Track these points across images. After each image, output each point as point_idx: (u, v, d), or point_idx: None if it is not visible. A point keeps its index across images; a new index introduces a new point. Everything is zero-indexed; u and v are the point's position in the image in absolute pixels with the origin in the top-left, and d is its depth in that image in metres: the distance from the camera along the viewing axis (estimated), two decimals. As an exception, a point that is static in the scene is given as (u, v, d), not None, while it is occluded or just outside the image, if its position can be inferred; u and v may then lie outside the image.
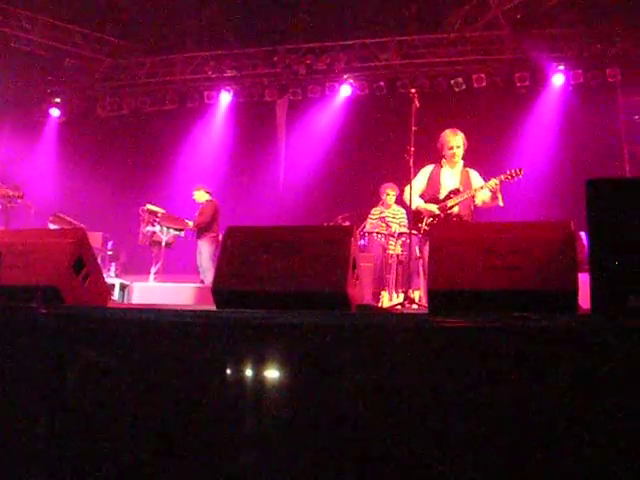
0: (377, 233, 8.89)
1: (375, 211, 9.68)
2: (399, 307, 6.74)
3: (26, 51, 14.18)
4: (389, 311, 5.53)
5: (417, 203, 7.27)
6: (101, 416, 3.74)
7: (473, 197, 7.21)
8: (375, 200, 9.87)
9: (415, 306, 6.87)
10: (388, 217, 9.43)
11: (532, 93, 12.47)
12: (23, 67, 14.95)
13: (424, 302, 7.02)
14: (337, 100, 13.50)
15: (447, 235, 3.84)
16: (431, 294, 3.69)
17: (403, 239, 8.58)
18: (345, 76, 13.24)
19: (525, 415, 3.08)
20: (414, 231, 7.39)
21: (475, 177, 7.42)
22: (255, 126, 14.09)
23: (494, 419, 3.12)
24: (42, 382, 3.89)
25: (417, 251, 7.90)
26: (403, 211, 9.38)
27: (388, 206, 9.62)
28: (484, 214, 7.59)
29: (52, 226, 9.43)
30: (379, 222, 9.41)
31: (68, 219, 10.14)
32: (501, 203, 7.03)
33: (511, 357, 3.20)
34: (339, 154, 13.08)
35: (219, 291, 3.86)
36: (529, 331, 3.22)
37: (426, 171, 7.53)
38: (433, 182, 7.42)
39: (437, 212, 7.15)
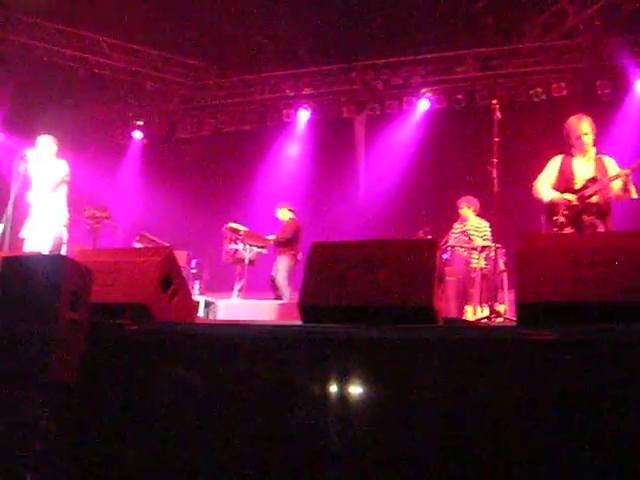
0: (460, 247, 8.78)
1: (457, 225, 9.57)
2: (485, 321, 6.65)
3: (108, 76, 14.56)
4: (476, 324, 5.46)
5: (551, 195, 6.83)
6: (188, 431, 3.78)
7: (610, 186, 6.64)
8: (456, 213, 9.77)
9: (501, 319, 6.76)
10: (470, 230, 9.31)
11: (614, 100, 12.16)
12: (106, 92, 15.38)
13: (509, 316, 6.91)
14: (415, 114, 13.42)
15: (535, 246, 3.78)
16: (519, 306, 3.63)
17: (486, 252, 8.45)
18: (422, 90, 13.17)
19: (617, 426, 3.01)
20: (497, 244, 7.28)
21: (611, 164, 6.86)
22: (334, 143, 14.12)
23: (586, 432, 3.06)
24: (132, 397, 3.96)
25: (501, 264, 7.79)
26: (486, 224, 9.24)
27: (469, 219, 9.50)
28: (618, 206, 7.09)
29: (138, 245, 9.63)
30: (461, 236, 9.30)
31: (153, 238, 10.35)
32: (634, 195, 6.48)
33: (601, 370, 3.13)
34: (419, 168, 13.00)
35: (305, 306, 3.88)
36: (619, 343, 3.14)
37: (555, 162, 7.00)
38: (565, 173, 6.88)
39: (575, 202, 6.74)
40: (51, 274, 3.65)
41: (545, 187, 6.84)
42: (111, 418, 3.98)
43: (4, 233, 7.50)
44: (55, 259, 3.88)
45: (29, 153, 7.97)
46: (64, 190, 8.14)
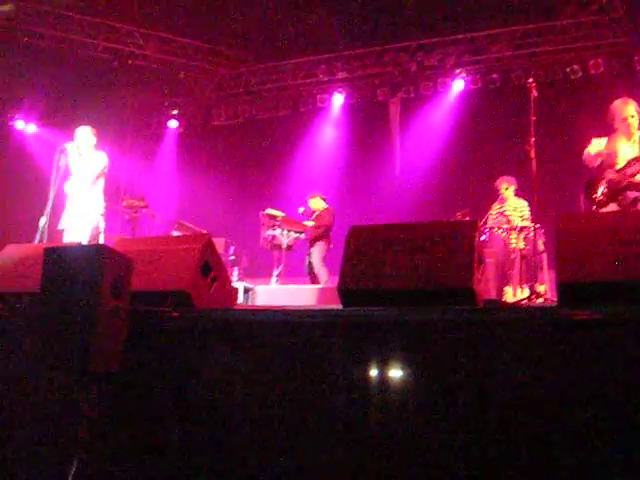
0: (498, 228, 8.71)
1: (495, 206, 9.49)
2: (525, 302, 6.59)
3: (142, 66, 14.65)
4: (517, 306, 5.41)
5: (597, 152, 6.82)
6: (230, 417, 3.81)
7: None
8: (494, 194, 9.69)
9: (541, 300, 6.70)
10: (509, 211, 9.22)
11: (654, 75, 11.94)
12: (140, 82, 15.49)
13: (550, 296, 6.85)
14: (450, 95, 13.33)
15: (575, 226, 3.73)
16: (560, 287, 3.59)
17: (525, 233, 8.38)
18: (457, 71, 13.07)
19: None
20: (536, 224, 7.20)
21: None
22: (369, 127, 14.09)
23: (629, 414, 3.02)
24: (173, 384, 4.00)
25: (540, 244, 7.71)
26: (525, 204, 9.15)
27: (507, 199, 9.42)
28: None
29: (176, 233, 9.69)
30: (500, 217, 9.21)
31: (191, 226, 10.40)
32: None
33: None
34: (455, 150, 12.92)
35: (345, 290, 3.87)
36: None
37: (599, 142, 7.02)
38: (609, 152, 6.79)
39: (617, 178, 6.61)
40: (92, 263, 3.69)
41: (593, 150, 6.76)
42: (154, 405, 4.02)
43: (45, 225, 7.60)
44: (96, 248, 3.90)
45: (69, 146, 8.04)
46: (102, 181, 8.21)
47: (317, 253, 10.59)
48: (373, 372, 3.57)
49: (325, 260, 10.53)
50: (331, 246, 10.59)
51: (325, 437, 3.55)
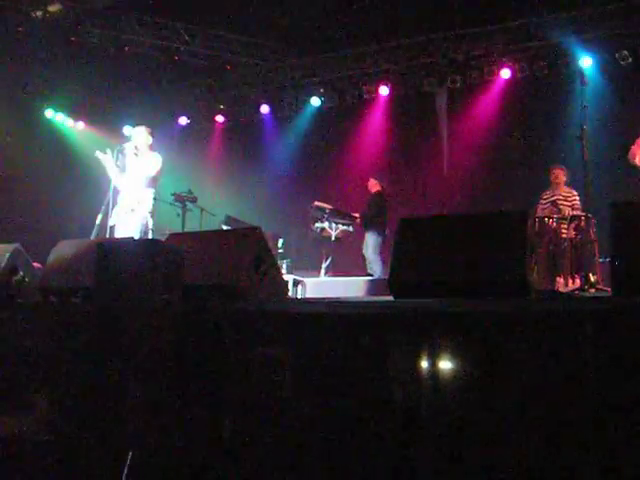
0: (549, 218, 8.59)
1: (545, 195, 9.36)
2: (578, 292, 6.51)
3: (189, 62, 14.76)
4: (570, 296, 5.35)
5: None
6: (280, 408, 3.82)
7: None
8: (544, 183, 9.56)
9: (594, 290, 6.62)
10: (559, 200, 9.10)
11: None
12: (186, 78, 15.62)
13: (602, 286, 6.76)
14: (497, 84, 13.17)
15: (630, 215, 3.67)
16: (614, 277, 3.55)
17: (576, 222, 8.25)
18: (504, 59, 12.91)
19: None
20: (588, 214, 7.11)
21: None
22: (415, 117, 14.02)
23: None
24: (225, 376, 4.03)
25: (592, 234, 7.61)
26: (576, 193, 9.02)
27: (557, 188, 9.29)
28: None
29: (225, 227, 9.73)
30: (550, 206, 9.09)
31: (240, 220, 10.45)
32: None
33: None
34: (503, 139, 12.79)
35: (395, 282, 3.86)
36: None
37: None
38: None
39: None
40: (145, 258, 3.73)
41: None
42: (205, 396, 4.05)
43: (102, 222, 7.73)
44: (148, 243, 3.97)
45: (127, 145, 8.17)
46: (156, 182, 8.32)
47: (370, 243, 10.57)
48: (425, 364, 3.56)
49: (380, 249, 10.46)
50: (387, 231, 10.50)
51: (377, 427, 3.55)
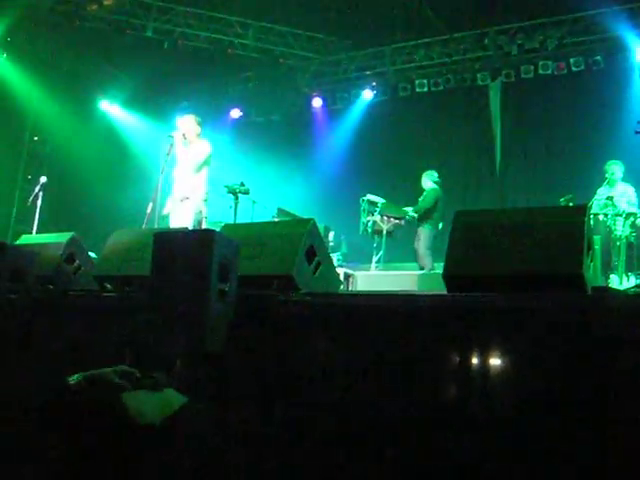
0: (605, 214, 8.47)
1: (601, 191, 9.22)
2: (634, 289, 6.40)
3: (241, 55, 14.85)
4: (627, 293, 5.26)
5: None
6: (333, 398, 3.84)
7: None
8: (600, 179, 9.41)
9: (649, 287, 6.50)
10: (616, 196, 8.95)
11: None
12: (240, 71, 15.71)
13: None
14: (552, 79, 12.99)
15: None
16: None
17: (632, 219, 8.12)
18: (559, 53, 12.73)
19: None
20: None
21: None
22: (468, 111, 13.93)
23: None
24: (279, 365, 4.05)
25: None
26: (632, 189, 8.87)
27: (614, 184, 9.14)
28: None
29: (276, 219, 9.78)
30: (606, 202, 8.95)
31: (291, 212, 10.49)
32: None
33: None
34: (558, 133, 12.64)
35: (450, 275, 3.84)
36: None
37: None
38: None
39: None
40: (201, 248, 3.77)
41: None
42: (257, 385, 4.08)
43: (153, 211, 7.81)
44: (204, 233, 4.00)
45: (175, 134, 8.22)
46: (206, 169, 8.35)
47: (422, 237, 10.51)
48: (479, 358, 3.54)
49: (432, 244, 10.42)
50: (440, 225, 10.45)
51: (427, 420, 3.54)
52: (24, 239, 6.87)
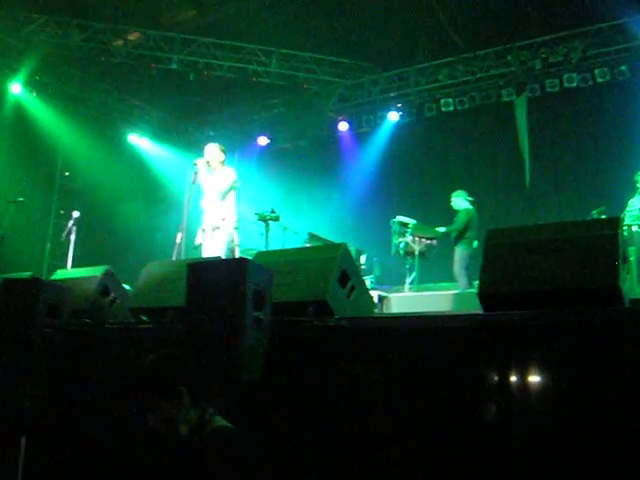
0: (638, 225, 8.39)
1: (633, 202, 9.15)
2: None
3: (266, 83, 14.97)
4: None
5: None
6: (371, 423, 3.82)
7: None
8: (631, 190, 9.33)
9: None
10: (647, 206, 8.88)
11: None
12: (265, 98, 15.85)
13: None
14: (578, 91, 12.93)
15: None
16: None
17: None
18: (583, 65, 12.68)
19: None
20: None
21: None
22: (495, 128, 13.90)
23: None
24: (315, 391, 4.04)
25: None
26: (663, 199, 8.80)
27: (642, 195, 9.07)
28: None
29: (307, 245, 9.80)
30: (638, 214, 8.86)
31: (322, 237, 10.51)
32: None
33: None
34: (587, 145, 12.58)
35: (485, 294, 3.81)
36: None
37: None
38: None
39: None
40: (234, 276, 3.79)
41: None
42: (295, 411, 4.07)
43: (182, 242, 7.85)
44: (237, 262, 4.02)
45: (199, 162, 8.28)
46: (234, 196, 8.39)
47: (458, 257, 10.51)
48: (517, 377, 3.51)
49: (468, 263, 10.40)
50: (474, 244, 10.42)
51: (468, 443, 3.51)
52: (59, 274, 6.93)
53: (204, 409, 3.29)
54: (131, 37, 14.53)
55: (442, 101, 13.91)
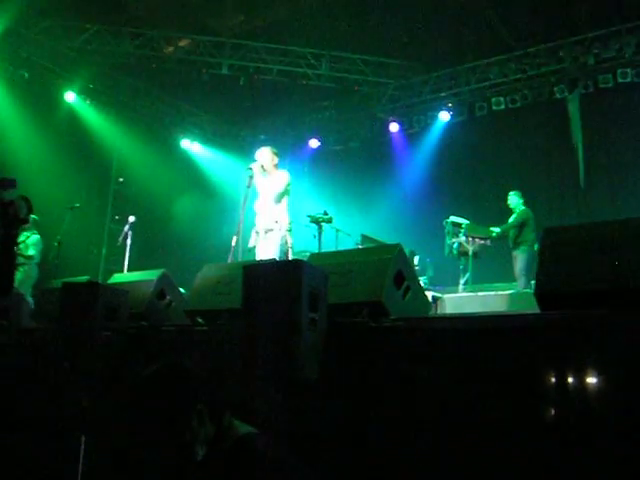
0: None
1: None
2: None
3: (316, 86, 15.03)
4: None
5: None
6: (429, 426, 3.80)
7: None
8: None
9: None
10: None
11: None
12: (315, 101, 15.90)
13: None
14: (632, 87, 12.71)
15: None
16: None
17: None
18: (637, 59, 12.45)
19: None
20: None
21: None
22: (548, 126, 13.74)
23: None
24: (371, 393, 4.04)
25: None
26: None
27: None
28: None
29: (360, 246, 9.79)
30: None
31: (374, 238, 10.49)
32: None
33: None
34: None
35: (542, 293, 3.77)
36: None
37: None
38: None
39: None
40: (291, 278, 3.80)
41: None
42: (350, 412, 4.07)
43: (237, 244, 7.91)
44: (293, 264, 4.04)
45: (254, 166, 8.34)
46: (287, 199, 8.43)
47: (519, 258, 10.44)
48: (576, 377, 3.47)
49: (529, 264, 10.30)
50: (535, 245, 10.31)
51: (528, 448, 3.47)
52: (116, 278, 7.04)
53: (220, 416, 2.77)
54: (182, 43, 14.73)
55: (493, 100, 13.80)
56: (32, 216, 11.90)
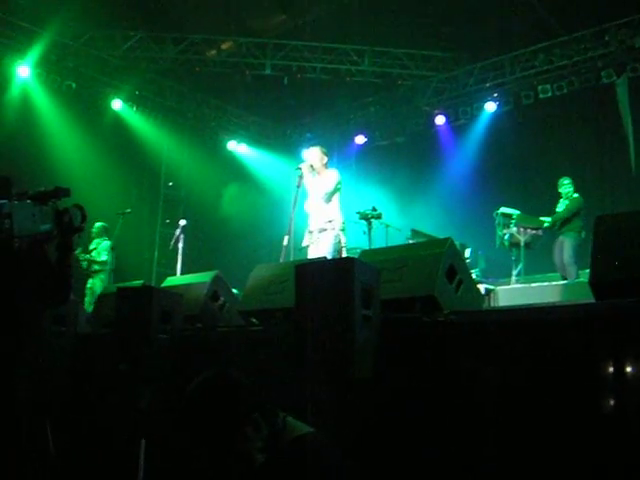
0: None
1: None
2: None
3: (360, 82, 15.04)
4: None
5: None
6: (485, 422, 3.78)
7: None
8: None
9: None
10: None
11: None
12: (360, 97, 15.91)
13: None
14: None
15: None
16: None
17: None
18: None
19: None
20: None
21: None
22: (597, 112, 13.55)
23: None
24: (428, 388, 4.03)
25: None
26: None
27: None
28: None
29: (411, 241, 9.77)
30: None
31: (424, 233, 10.46)
32: None
33: None
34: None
35: (597, 282, 3.73)
36: None
37: None
38: None
39: None
40: (342, 276, 3.82)
41: None
42: (407, 408, 4.07)
43: (289, 244, 7.95)
44: (344, 262, 4.06)
45: (303, 166, 8.38)
46: (338, 197, 8.44)
47: (567, 246, 10.29)
48: (634, 367, 3.42)
49: (577, 252, 10.17)
50: (583, 233, 10.18)
51: (588, 440, 3.44)
52: (169, 281, 7.13)
53: (274, 417, 2.74)
54: (224, 46, 14.85)
55: (539, 87, 13.61)
56: (102, 223, 12.25)
